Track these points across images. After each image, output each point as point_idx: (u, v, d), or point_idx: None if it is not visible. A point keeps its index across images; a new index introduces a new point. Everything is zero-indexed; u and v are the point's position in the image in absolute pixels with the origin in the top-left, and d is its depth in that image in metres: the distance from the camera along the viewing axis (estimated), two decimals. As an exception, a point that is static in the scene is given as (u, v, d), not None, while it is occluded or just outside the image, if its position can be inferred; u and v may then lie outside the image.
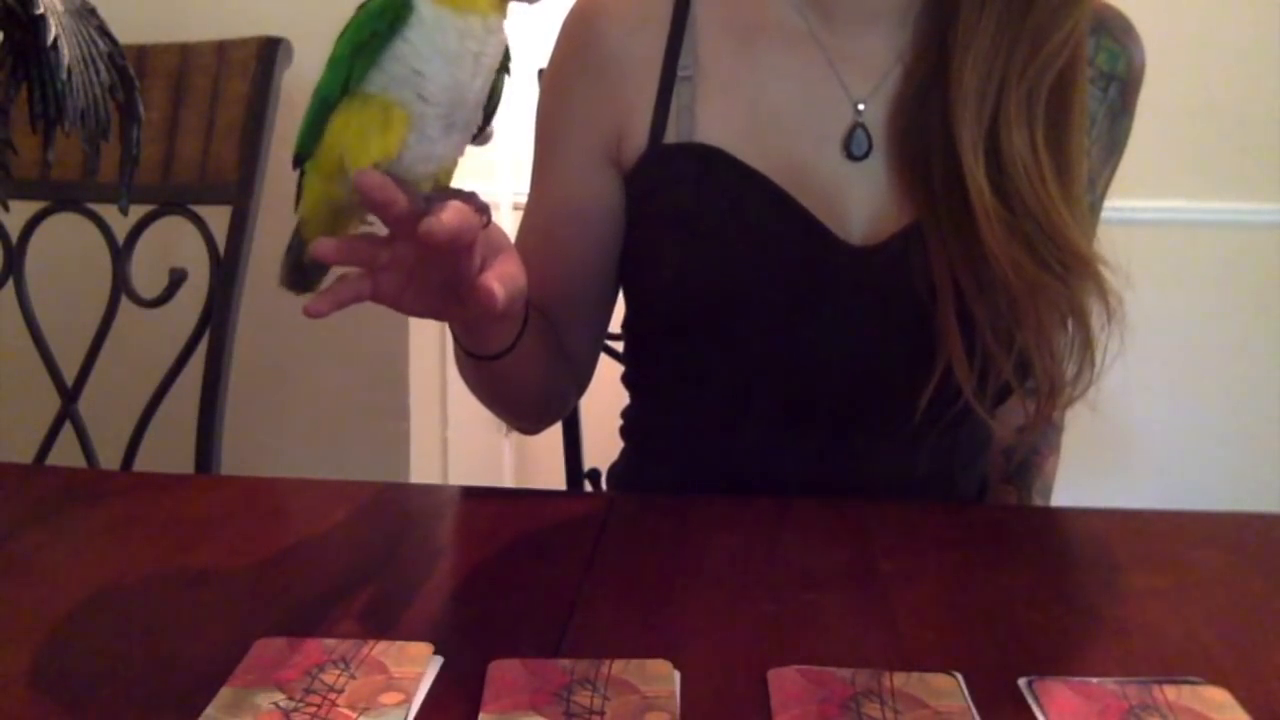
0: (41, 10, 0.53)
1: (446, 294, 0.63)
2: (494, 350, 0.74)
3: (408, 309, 0.63)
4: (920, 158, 0.77)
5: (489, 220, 0.59)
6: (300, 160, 0.61)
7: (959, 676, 0.52)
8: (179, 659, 0.54)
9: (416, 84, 0.56)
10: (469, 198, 0.58)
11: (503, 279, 0.60)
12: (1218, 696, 0.51)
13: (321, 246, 0.56)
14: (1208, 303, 2.13)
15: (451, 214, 0.55)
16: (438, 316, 0.67)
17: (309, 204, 0.61)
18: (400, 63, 0.56)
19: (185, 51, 1.19)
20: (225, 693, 0.50)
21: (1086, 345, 0.76)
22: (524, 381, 0.82)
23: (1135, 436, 2.13)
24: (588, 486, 1.17)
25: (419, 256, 0.60)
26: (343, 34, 0.57)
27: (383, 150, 0.56)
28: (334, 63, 0.57)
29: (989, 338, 0.74)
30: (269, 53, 1.16)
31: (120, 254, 1.14)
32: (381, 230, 0.60)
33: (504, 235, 0.64)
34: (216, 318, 1.10)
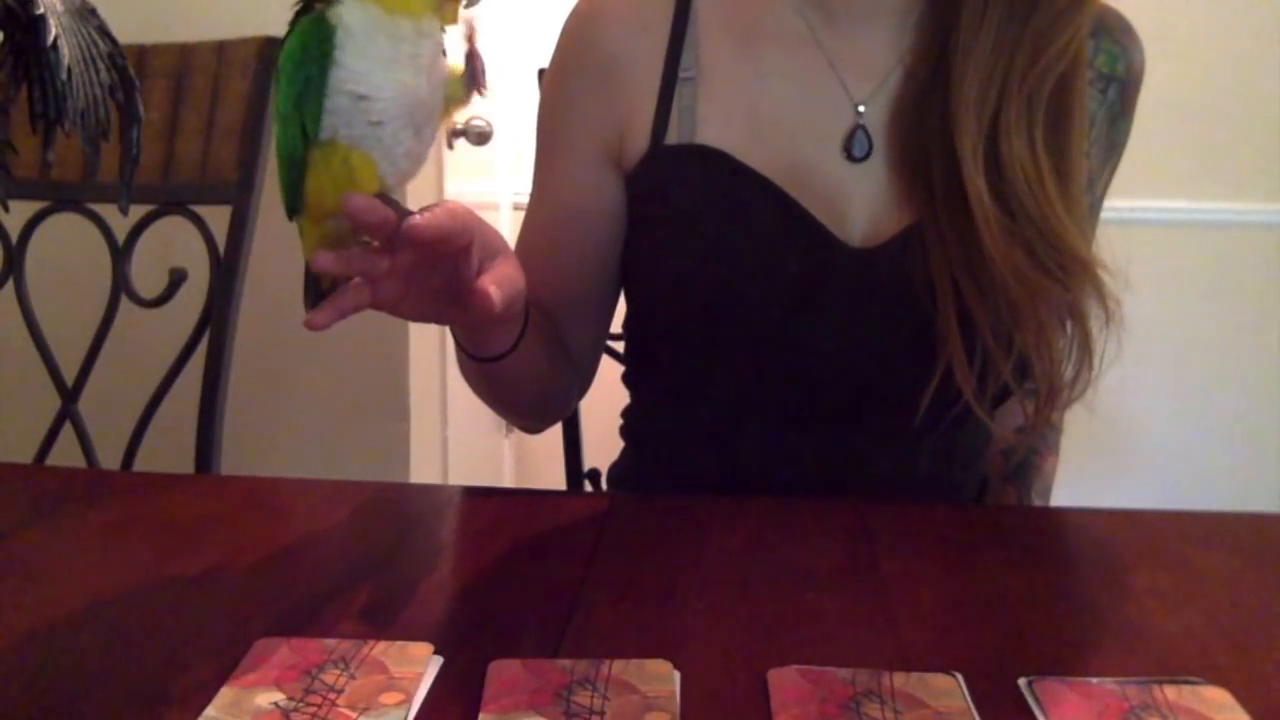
0: (41, 10, 0.53)
1: (446, 298, 0.63)
2: (495, 352, 0.74)
3: (408, 315, 0.64)
4: (920, 160, 0.77)
5: (471, 237, 0.59)
6: (294, 213, 0.61)
7: (959, 676, 0.52)
8: (179, 659, 0.54)
9: (365, 111, 0.55)
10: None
11: (499, 282, 0.60)
12: (1218, 696, 0.51)
13: (321, 260, 0.57)
14: (1208, 303, 2.13)
15: (437, 214, 0.55)
16: (438, 321, 0.67)
17: (312, 243, 0.61)
18: (341, 94, 0.55)
19: (185, 51, 1.19)
20: (225, 693, 0.50)
21: (1085, 347, 0.76)
22: (526, 381, 0.82)
23: (1136, 436, 2.13)
24: (588, 486, 1.17)
25: (417, 262, 0.60)
26: (277, 82, 0.56)
27: (368, 187, 0.57)
28: (282, 120, 0.56)
29: (988, 339, 0.75)
30: (269, 53, 1.16)
31: (120, 254, 1.14)
32: None
33: (501, 238, 0.64)
34: (216, 318, 1.10)
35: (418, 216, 0.55)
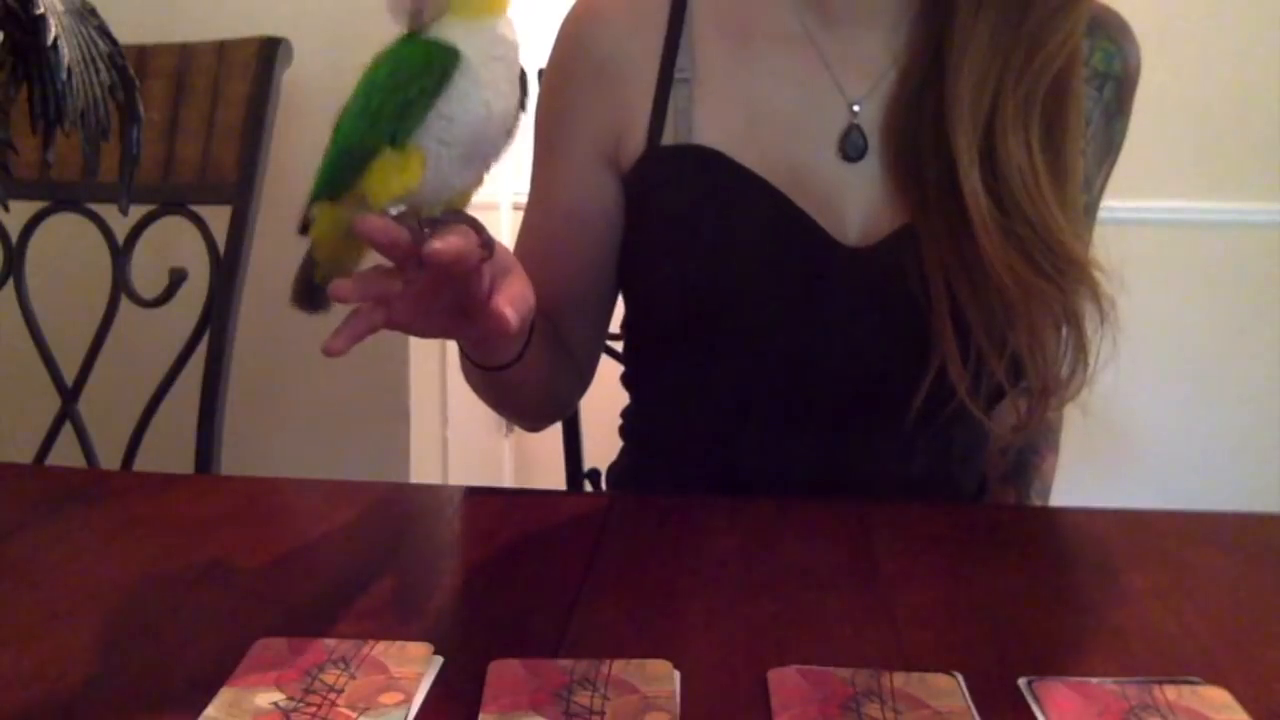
0: (41, 10, 0.53)
1: (456, 314, 0.63)
2: (502, 361, 0.74)
3: (421, 332, 0.64)
4: (914, 159, 0.77)
5: (491, 253, 0.59)
6: (318, 198, 0.60)
7: (959, 676, 0.52)
8: (179, 659, 0.54)
9: (441, 130, 0.56)
10: (472, 222, 0.58)
11: (513, 301, 0.60)
12: (1218, 696, 0.51)
13: (340, 288, 0.56)
14: (1208, 303, 2.13)
15: (455, 237, 0.55)
16: (448, 336, 0.68)
17: (323, 230, 0.61)
18: (435, 112, 0.55)
19: (185, 51, 1.19)
20: (225, 693, 0.50)
21: (1080, 347, 0.76)
22: (530, 386, 0.83)
23: (1135, 436, 2.13)
24: (588, 486, 1.17)
25: (429, 282, 0.60)
26: (376, 81, 0.56)
27: (403, 187, 0.56)
28: (372, 115, 0.56)
29: (981, 338, 0.75)
30: (269, 53, 1.16)
31: (120, 254, 1.14)
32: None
33: (509, 253, 0.64)
34: (216, 318, 1.10)
35: (438, 243, 0.54)
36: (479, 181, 0.60)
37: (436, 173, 0.57)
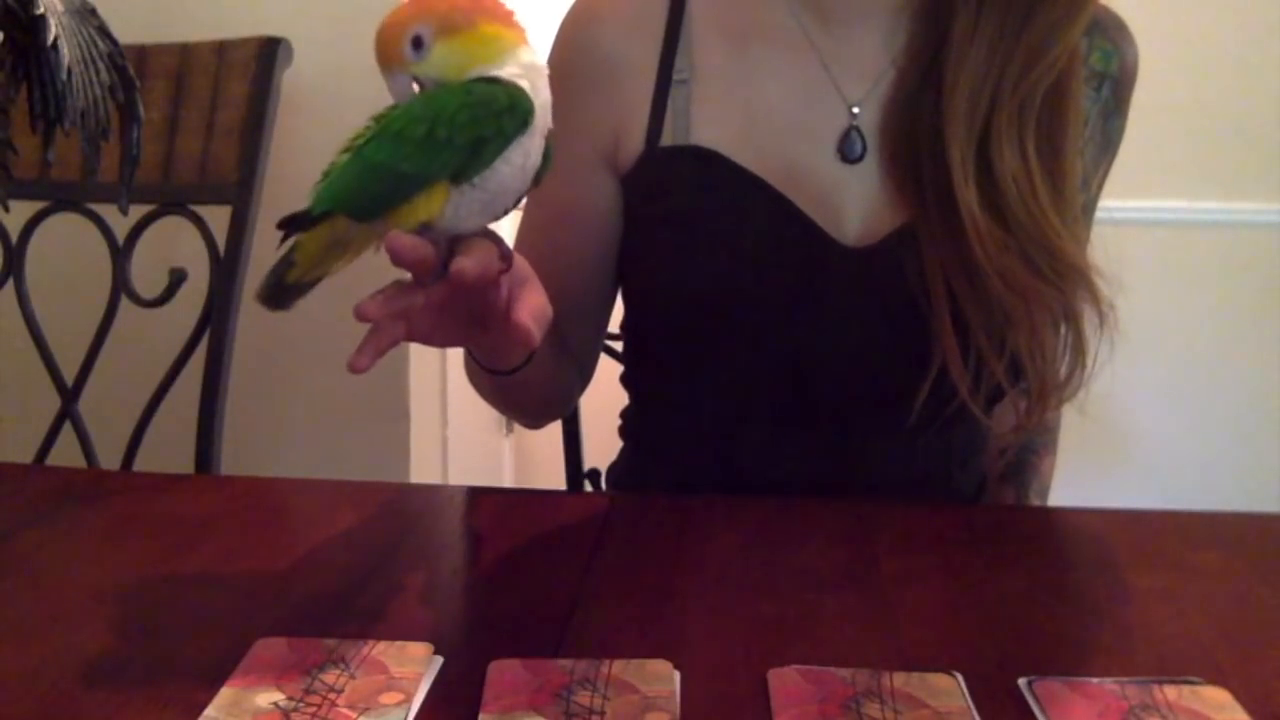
0: (41, 10, 0.53)
1: (473, 324, 0.63)
2: (511, 366, 0.74)
3: (439, 343, 0.64)
4: (912, 161, 0.77)
5: (509, 265, 0.59)
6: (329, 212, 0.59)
7: (959, 676, 0.52)
8: (179, 659, 0.54)
9: (495, 170, 0.56)
10: (490, 235, 0.58)
11: (533, 313, 0.60)
12: (1218, 696, 0.51)
13: (365, 308, 0.56)
14: (1207, 303, 2.13)
15: (477, 253, 0.56)
16: (465, 345, 0.68)
17: (318, 238, 0.60)
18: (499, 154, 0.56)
19: (185, 51, 1.19)
20: (225, 693, 0.50)
21: (1079, 347, 0.76)
22: (535, 387, 0.83)
23: (1135, 436, 2.13)
24: (588, 486, 1.17)
25: (447, 294, 0.60)
26: (443, 114, 0.55)
27: (426, 213, 0.56)
28: (439, 146, 0.55)
29: (981, 339, 0.75)
30: (269, 53, 1.16)
31: (120, 254, 1.14)
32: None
33: (526, 265, 0.64)
34: (216, 318, 1.10)
35: (465, 261, 0.54)
36: (486, 224, 0.60)
37: (455, 210, 0.57)
